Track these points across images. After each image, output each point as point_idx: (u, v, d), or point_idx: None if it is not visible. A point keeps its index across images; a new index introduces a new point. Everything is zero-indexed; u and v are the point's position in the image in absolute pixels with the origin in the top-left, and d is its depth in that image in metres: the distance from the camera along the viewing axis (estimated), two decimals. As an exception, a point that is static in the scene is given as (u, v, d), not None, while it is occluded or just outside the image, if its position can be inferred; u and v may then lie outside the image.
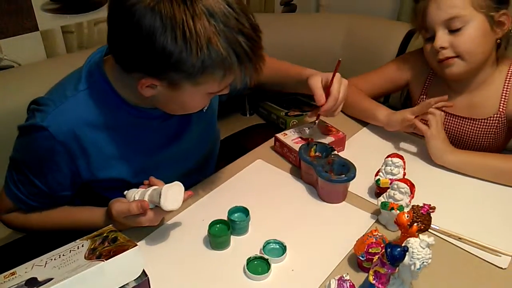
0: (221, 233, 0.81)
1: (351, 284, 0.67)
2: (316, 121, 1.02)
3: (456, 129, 1.13)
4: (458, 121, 1.12)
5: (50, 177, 0.83)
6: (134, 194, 0.80)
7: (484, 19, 0.98)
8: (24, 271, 0.65)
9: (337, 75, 0.95)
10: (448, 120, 1.13)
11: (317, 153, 0.98)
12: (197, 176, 1.01)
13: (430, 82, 1.17)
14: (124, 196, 0.82)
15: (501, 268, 0.78)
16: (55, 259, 0.67)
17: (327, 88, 0.94)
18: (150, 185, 0.82)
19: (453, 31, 0.99)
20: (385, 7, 1.99)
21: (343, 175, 0.89)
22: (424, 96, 1.17)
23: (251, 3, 1.99)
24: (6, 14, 1.21)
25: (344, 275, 0.67)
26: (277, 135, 1.07)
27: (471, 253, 0.80)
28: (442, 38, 0.99)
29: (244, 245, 0.82)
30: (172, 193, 0.76)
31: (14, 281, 0.62)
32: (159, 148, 0.90)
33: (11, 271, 0.65)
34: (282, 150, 1.06)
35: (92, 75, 0.81)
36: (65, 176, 0.84)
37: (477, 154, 1.02)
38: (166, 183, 0.79)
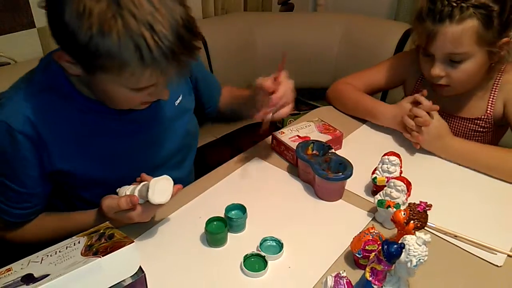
0: (218, 230, 0.81)
1: (347, 281, 0.67)
2: (265, 122, 0.91)
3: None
4: (448, 118, 1.13)
5: (23, 175, 0.82)
6: (125, 190, 0.81)
7: (485, 53, 0.97)
8: (20, 267, 0.64)
9: (283, 72, 0.91)
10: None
11: (314, 151, 0.98)
12: (175, 171, 0.98)
13: (421, 81, 1.18)
14: (117, 193, 0.82)
15: (497, 266, 0.78)
16: (51, 256, 0.66)
17: (275, 81, 0.91)
18: (141, 181, 0.82)
19: (451, 62, 0.99)
20: (382, 6, 2.00)
21: (340, 173, 0.90)
22: (417, 93, 1.18)
23: (248, 2, 1.99)
24: (2, 11, 1.21)
25: (341, 272, 0.67)
26: (275, 133, 1.07)
27: (467, 251, 0.81)
28: (440, 67, 1.00)
29: (241, 242, 0.81)
30: (159, 186, 0.76)
31: (10, 277, 0.62)
32: (119, 141, 0.88)
33: (7, 267, 0.65)
34: (279, 148, 1.06)
35: (49, 66, 0.81)
36: (35, 169, 0.82)
37: (470, 146, 1.02)
38: (137, 175, 0.80)
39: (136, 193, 0.78)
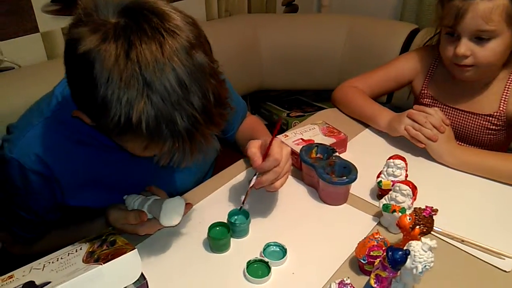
0: (221, 235, 0.80)
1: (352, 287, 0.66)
2: (244, 200, 0.85)
3: (456, 122, 1.13)
4: (459, 114, 1.12)
5: (35, 206, 0.83)
6: (134, 200, 0.80)
7: (510, 35, 0.97)
8: (22, 275, 0.64)
9: (277, 140, 0.83)
10: (449, 113, 1.14)
11: (318, 155, 0.97)
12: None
13: (431, 75, 1.17)
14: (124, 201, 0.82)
15: (505, 271, 0.76)
16: (53, 262, 0.66)
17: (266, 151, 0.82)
18: (150, 193, 0.81)
19: (478, 40, 0.98)
20: (387, 7, 1.98)
21: (345, 177, 0.88)
22: (426, 90, 1.17)
23: (252, 4, 1.98)
24: (6, 16, 1.21)
25: (345, 279, 0.66)
26: (278, 136, 1.06)
27: (475, 256, 0.79)
28: (467, 45, 0.99)
29: (244, 248, 0.81)
30: (171, 209, 0.75)
31: (12, 284, 0.62)
32: (134, 173, 0.86)
33: (9, 274, 0.65)
34: (283, 151, 1.05)
35: (61, 99, 0.78)
36: (48, 200, 0.83)
37: (477, 154, 1.01)
38: None
39: (145, 209, 0.77)
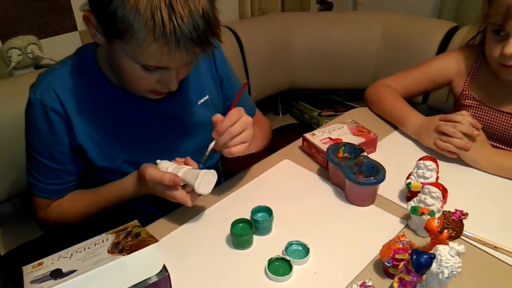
0: (243, 232, 0.80)
1: (373, 290, 0.64)
2: (203, 160, 0.86)
3: (500, 125, 1.07)
4: (503, 117, 1.06)
5: (55, 152, 0.87)
6: (167, 165, 0.83)
7: None
8: (51, 262, 0.67)
9: (239, 108, 0.83)
10: (492, 115, 1.08)
11: (345, 154, 0.95)
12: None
13: (474, 75, 1.11)
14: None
15: (541, 281, 0.72)
16: (80, 252, 0.68)
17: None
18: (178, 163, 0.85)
19: None
20: (425, 4, 1.93)
21: (372, 177, 0.86)
22: (467, 91, 1.12)
23: (286, 3, 1.97)
24: (47, 14, 1.26)
25: (366, 281, 0.65)
26: (305, 135, 1.06)
27: (508, 264, 0.75)
28: None
29: (267, 245, 0.80)
30: (207, 179, 0.80)
31: (40, 271, 0.65)
32: (143, 129, 0.90)
33: (39, 261, 0.68)
34: (310, 150, 1.04)
35: (84, 54, 0.86)
36: (66, 146, 0.87)
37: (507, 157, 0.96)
38: None
39: (179, 174, 0.80)
